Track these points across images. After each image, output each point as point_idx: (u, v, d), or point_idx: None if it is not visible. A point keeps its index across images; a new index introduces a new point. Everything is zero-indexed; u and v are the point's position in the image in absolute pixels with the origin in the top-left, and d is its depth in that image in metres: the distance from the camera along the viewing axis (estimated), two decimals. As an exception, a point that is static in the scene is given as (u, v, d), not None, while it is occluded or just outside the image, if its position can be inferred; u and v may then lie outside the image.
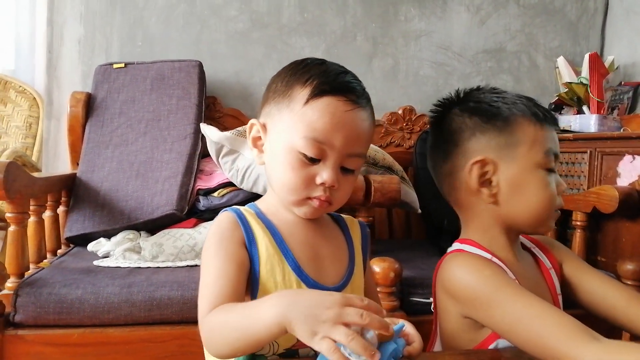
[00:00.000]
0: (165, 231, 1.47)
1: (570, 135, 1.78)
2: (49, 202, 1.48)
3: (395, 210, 1.97)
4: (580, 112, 2.04)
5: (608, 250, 1.55)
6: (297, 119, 0.66)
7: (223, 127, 1.72)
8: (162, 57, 1.92)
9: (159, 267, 1.32)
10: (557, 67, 2.16)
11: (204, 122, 1.72)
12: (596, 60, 1.98)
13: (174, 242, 1.40)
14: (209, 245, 0.67)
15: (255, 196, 1.47)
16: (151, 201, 1.54)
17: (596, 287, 0.83)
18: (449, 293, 0.77)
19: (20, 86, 1.98)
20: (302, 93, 0.66)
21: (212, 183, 1.63)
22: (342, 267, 0.73)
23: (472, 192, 0.80)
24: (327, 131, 0.65)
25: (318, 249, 0.72)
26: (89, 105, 1.76)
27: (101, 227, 1.51)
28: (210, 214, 1.56)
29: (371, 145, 1.52)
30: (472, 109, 0.81)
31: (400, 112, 2.04)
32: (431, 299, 0.85)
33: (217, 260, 0.65)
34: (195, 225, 1.52)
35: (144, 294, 1.15)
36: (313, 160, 0.66)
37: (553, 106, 2.14)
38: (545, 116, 0.79)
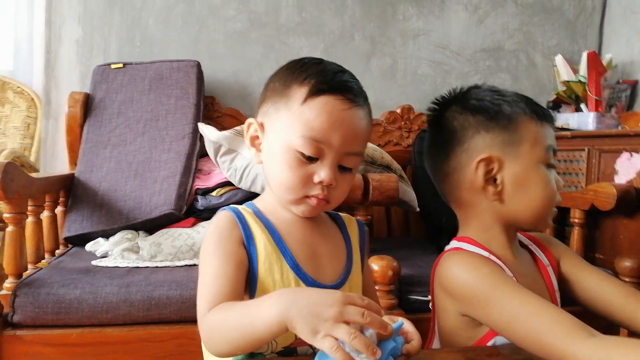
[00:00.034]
0: (164, 231, 1.47)
1: (568, 133, 1.78)
2: (47, 203, 1.47)
3: (394, 209, 1.98)
4: (578, 110, 2.04)
5: (606, 248, 1.55)
6: (294, 118, 0.66)
7: (221, 127, 1.72)
8: (161, 57, 1.92)
9: (157, 267, 1.32)
10: (555, 66, 2.16)
11: (202, 122, 1.72)
12: (594, 59, 1.99)
13: (173, 241, 1.40)
14: (207, 245, 0.67)
15: (254, 195, 1.47)
16: (149, 201, 1.54)
17: (594, 284, 0.84)
18: (446, 291, 0.77)
19: (18, 87, 1.97)
20: (299, 92, 0.66)
21: (211, 182, 1.63)
22: (340, 265, 0.73)
23: (477, 189, 0.80)
24: (324, 130, 0.65)
25: (316, 247, 0.72)
26: (87, 105, 1.76)
27: (99, 227, 1.51)
28: (208, 214, 1.56)
29: (369, 144, 1.53)
30: (474, 107, 0.81)
31: (398, 111, 2.05)
32: (429, 297, 0.85)
33: (216, 259, 0.65)
34: (193, 224, 1.52)
35: (143, 294, 1.15)
36: (311, 159, 0.66)
37: (551, 104, 2.14)
38: (544, 114, 0.81)
